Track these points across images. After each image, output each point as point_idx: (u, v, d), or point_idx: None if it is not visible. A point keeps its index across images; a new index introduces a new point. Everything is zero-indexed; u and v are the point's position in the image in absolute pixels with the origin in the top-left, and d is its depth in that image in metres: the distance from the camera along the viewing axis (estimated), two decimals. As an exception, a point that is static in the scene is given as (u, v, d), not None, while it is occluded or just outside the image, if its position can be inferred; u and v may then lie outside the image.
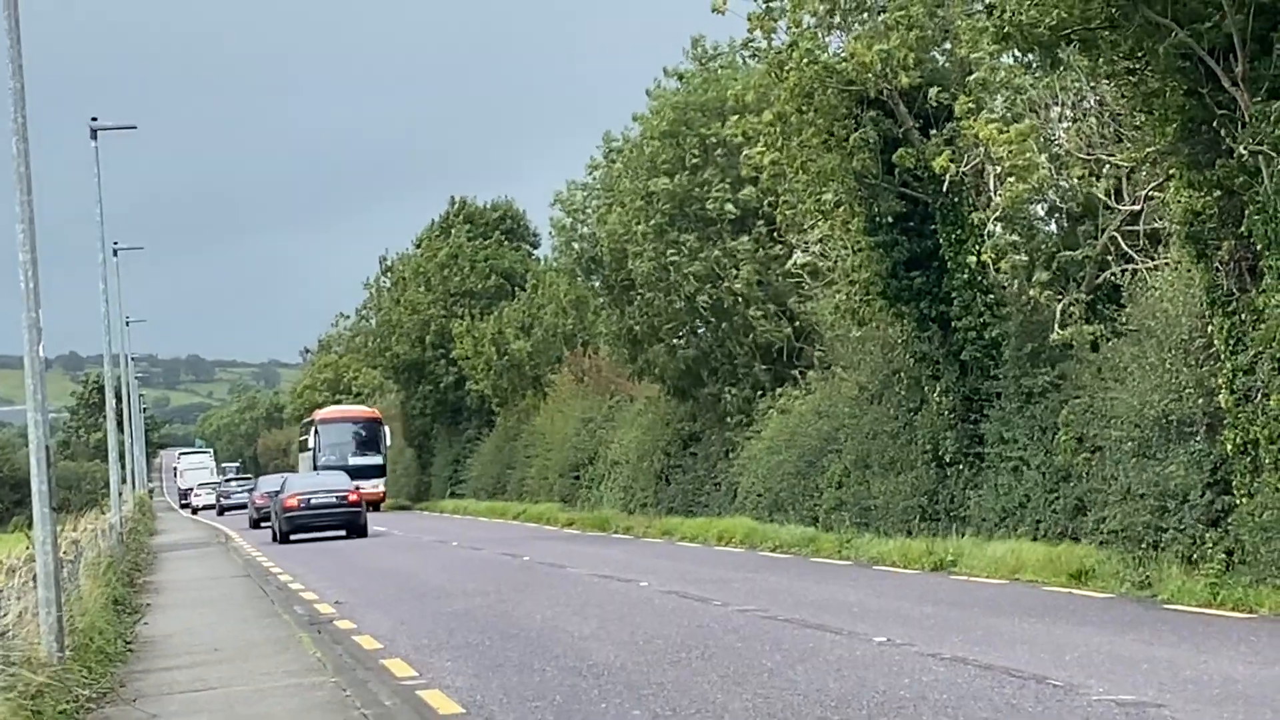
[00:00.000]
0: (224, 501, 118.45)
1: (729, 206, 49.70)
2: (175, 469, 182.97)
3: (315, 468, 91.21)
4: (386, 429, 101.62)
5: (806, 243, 43.84)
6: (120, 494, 64.11)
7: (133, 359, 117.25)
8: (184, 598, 34.92)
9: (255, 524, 79.77)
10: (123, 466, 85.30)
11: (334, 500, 64.09)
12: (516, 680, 19.45)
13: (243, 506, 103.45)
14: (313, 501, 63.87)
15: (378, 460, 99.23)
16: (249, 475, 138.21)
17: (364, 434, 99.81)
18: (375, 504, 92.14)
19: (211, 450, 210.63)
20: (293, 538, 62.35)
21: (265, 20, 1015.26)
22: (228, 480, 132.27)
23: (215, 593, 35.99)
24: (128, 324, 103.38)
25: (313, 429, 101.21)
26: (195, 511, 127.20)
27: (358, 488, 68.03)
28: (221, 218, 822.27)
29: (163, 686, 20.61)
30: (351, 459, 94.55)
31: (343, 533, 63.34)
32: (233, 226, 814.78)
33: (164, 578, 42.01)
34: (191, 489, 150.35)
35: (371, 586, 35.15)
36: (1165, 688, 16.93)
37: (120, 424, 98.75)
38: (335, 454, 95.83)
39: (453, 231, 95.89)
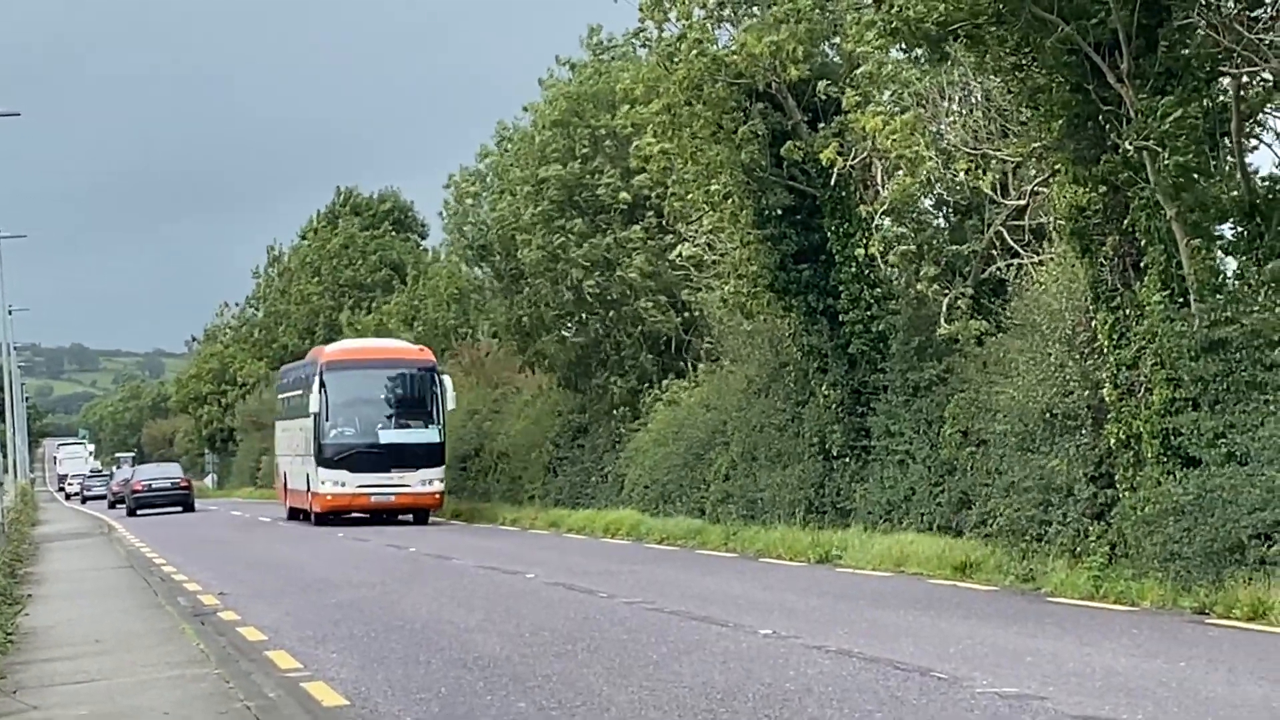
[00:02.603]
0: (86, 493, 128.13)
1: (622, 195, 49.72)
2: (55, 458, 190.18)
3: (318, 452, 57.86)
4: (447, 380, 59.07)
5: (694, 234, 43.91)
6: (1, 484, 64.45)
7: (15, 348, 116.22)
8: (66, 589, 34.65)
9: (112, 504, 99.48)
10: (4, 456, 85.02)
11: (169, 485, 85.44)
12: (401, 673, 19.41)
13: (102, 496, 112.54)
14: (153, 485, 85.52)
15: (430, 435, 58.17)
16: (108, 473, 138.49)
17: (407, 389, 59.44)
18: (424, 510, 58.17)
19: (85, 440, 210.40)
20: (140, 513, 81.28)
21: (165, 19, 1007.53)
22: (90, 476, 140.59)
23: (98, 584, 35.72)
24: (10, 313, 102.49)
25: (315, 380, 58.81)
26: (84, 501, 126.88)
27: (404, 491, 57.31)
28: (112, 210, 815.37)
29: (44, 678, 20.45)
30: (386, 434, 57.75)
31: (178, 508, 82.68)
32: (123, 219, 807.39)
33: (46, 569, 41.66)
34: (66, 476, 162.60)
35: (257, 578, 35.00)
36: (1048, 680, 17.07)
37: (1, 414, 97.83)
38: (356, 425, 57.97)
39: (340, 222, 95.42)
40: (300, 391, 63.26)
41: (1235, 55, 25.58)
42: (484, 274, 59.75)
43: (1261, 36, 25.03)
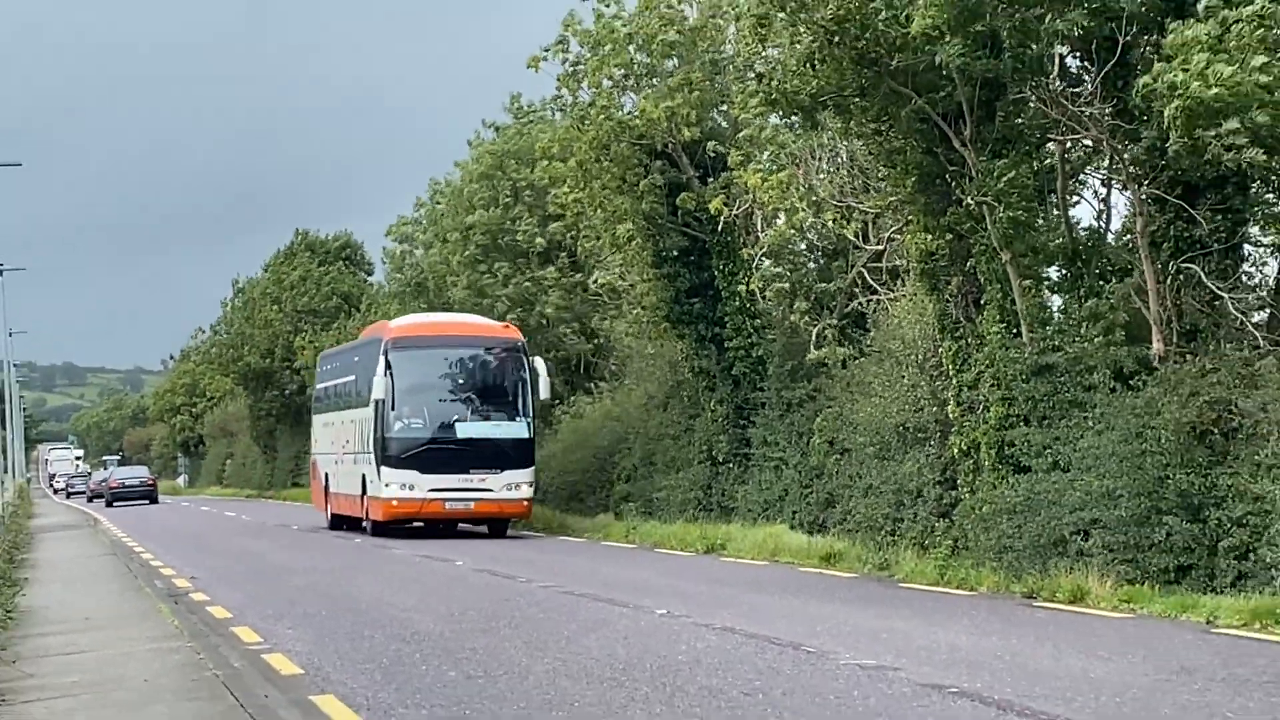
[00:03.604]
0: (70, 490, 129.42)
1: (538, 240, 49.72)
2: (47, 460, 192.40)
3: (380, 448, 42.43)
4: (540, 364, 43.20)
5: (608, 265, 43.99)
6: (2, 483, 63.82)
7: (14, 365, 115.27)
8: (58, 573, 34.33)
9: (90, 499, 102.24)
10: (3, 458, 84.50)
11: (139, 482, 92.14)
12: (349, 646, 19.32)
13: (83, 493, 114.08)
14: (126, 483, 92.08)
15: (517, 429, 42.73)
16: (89, 473, 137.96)
17: (490, 373, 43.50)
18: (502, 521, 42.64)
19: (73, 445, 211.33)
20: (116, 504, 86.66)
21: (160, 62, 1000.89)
22: (73, 476, 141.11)
23: (86, 569, 35.41)
24: (10, 335, 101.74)
25: (379, 361, 43.04)
26: (69, 496, 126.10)
27: (485, 497, 40.99)
28: (101, 244, 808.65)
29: (39, 650, 20.29)
30: (465, 427, 42.25)
31: (144, 502, 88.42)
32: (109, 253, 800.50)
33: (40, 555, 41.25)
34: (55, 475, 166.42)
35: (224, 565, 34.73)
36: (901, 654, 17.14)
37: (1, 421, 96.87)
38: (427, 416, 42.52)
39: (296, 258, 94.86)
40: (351, 377, 47.02)
41: (1060, 125, 25.80)
42: (421, 307, 59.54)
43: (1082, 109, 25.25)
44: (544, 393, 41.95)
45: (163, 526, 57.97)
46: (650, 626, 20.32)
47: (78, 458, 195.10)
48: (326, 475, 49.76)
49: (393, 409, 41.45)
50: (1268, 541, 20.47)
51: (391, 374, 41.37)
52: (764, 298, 35.23)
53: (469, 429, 41.40)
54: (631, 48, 36.66)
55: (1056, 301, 26.51)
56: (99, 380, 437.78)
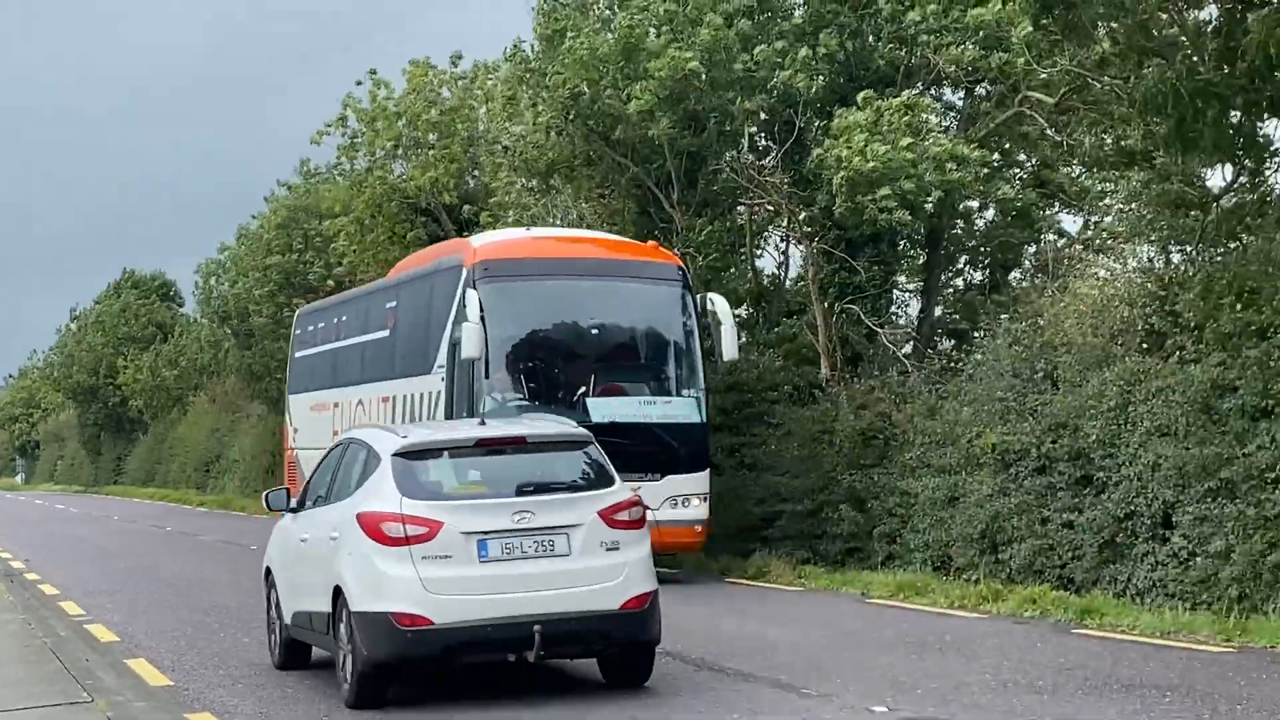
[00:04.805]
0: None
1: (327, 280, 48.99)
2: None
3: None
4: (721, 303, 21.66)
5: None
6: None
7: None
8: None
9: None
10: None
11: None
12: (159, 618, 18.69)
13: None
14: None
15: (685, 410, 21.12)
16: None
17: (642, 320, 21.75)
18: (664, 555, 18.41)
19: None
20: None
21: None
22: None
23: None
24: None
25: (458, 298, 20.94)
26: None
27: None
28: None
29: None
30: (602, 407, 20.31)
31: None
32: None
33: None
34: None
35: (53, 548, 33.50)
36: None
37: None
38: (540, 388, 20.89)
39: (122, 293, 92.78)
40: (381, 333, 25.46)
41: (749, 190, 26.03)
42: (225, 334, 58.45)
43: (766, 179, 25.51)
44: (729, 349, 21.74)
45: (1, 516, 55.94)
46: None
47: None
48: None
49: (486, 375, 20.60)
50: (911, 528, 20.79)
51: (484, 320, 20.61)
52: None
53: (610, 409, 20.77)
54: (400, 124, 36.29)
55: (743, 334, 26.70)
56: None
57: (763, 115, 25.55)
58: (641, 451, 20.04)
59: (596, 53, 25.14)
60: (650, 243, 22.98)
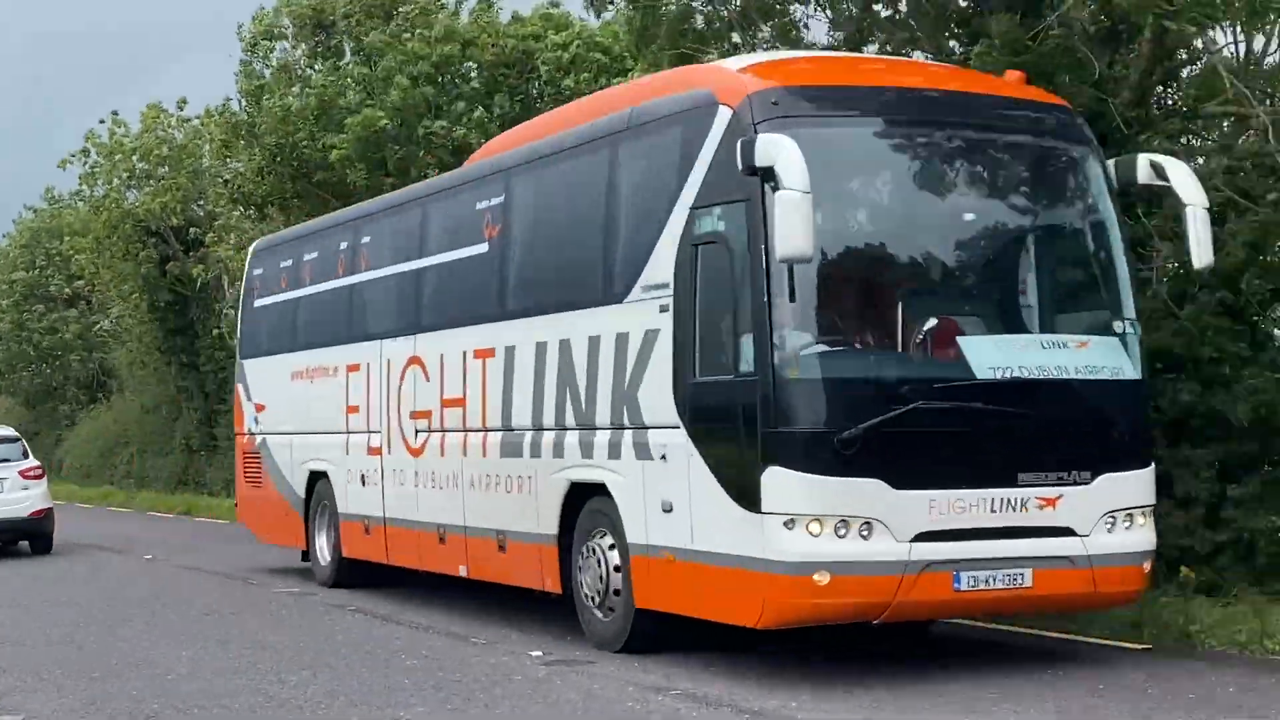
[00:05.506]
0: None
1: (66, 291, 48.73)
2: None
3: (766, 415, 8.43)
4: (1175, 167, 9.08)
5: (110, 315, 43.78)
6: None
7: None
8: None
9: None
10: None
11: None
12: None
13: None
14: None
15: (1116, 361, 9.16)
16: None
17: (1033, 210, 9.67)
18: (1080, 609, 9.61)
19: None
20: None
21: None
22: None
23: None
24: None
25: (728, 146, 8.85)
26: None
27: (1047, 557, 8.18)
28: None
29: None
30: (992, 353, 8.66)
31: None
32: None
33: None
34: None
35: None
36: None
37: None
38: (885, 322, 9.13)
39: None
40: (470, 248, 12.57)
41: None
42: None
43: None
44: (1202, 250, 9.88)
45: None
46: (141, 567, 15.61)
47: None
48: (318, 477, 16.12)
49: (792, 299, 8.78)
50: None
51: (770, 202, 8.77)
52: (231, 339, 35.53)
53: (1006, 356, 9.21)
54: (135, 157, 36.70)
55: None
56: None
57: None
58: (1059, 432, 9.54)
59: (290, 110, 26.51)
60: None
